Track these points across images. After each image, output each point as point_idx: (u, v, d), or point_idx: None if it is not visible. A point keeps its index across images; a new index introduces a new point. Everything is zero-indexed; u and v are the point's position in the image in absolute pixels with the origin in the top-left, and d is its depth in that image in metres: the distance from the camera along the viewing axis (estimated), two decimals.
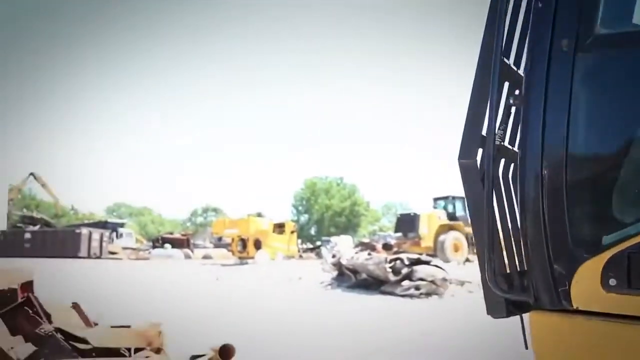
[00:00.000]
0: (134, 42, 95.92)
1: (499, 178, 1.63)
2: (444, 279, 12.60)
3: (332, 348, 6.52)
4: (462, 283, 13.23)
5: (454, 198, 25.76)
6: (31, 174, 45.70)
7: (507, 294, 1.60)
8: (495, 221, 1.57)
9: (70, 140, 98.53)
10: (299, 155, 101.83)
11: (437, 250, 22.96)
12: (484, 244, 1.54)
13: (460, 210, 25.22)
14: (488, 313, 1.63)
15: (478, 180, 1.52)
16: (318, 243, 43.99)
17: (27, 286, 3.92)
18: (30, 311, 3.37)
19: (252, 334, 6.84)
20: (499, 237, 1.60)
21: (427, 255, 15.99)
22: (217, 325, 7.54)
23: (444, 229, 23.97)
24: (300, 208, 73.78)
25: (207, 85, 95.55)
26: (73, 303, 4.18)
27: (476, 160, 1.55)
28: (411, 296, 11.98)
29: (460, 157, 1.53)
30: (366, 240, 39.69)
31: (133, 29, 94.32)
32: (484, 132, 1.55)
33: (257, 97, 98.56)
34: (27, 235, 32.80)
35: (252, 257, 24.31)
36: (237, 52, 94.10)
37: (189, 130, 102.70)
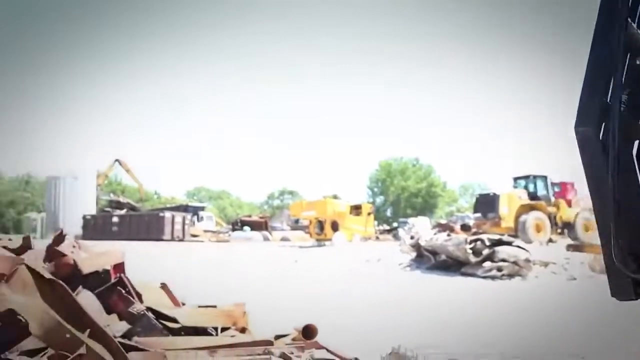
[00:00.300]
0: (207, 29, 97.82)
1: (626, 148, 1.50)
2: (527, 260, 12.27)
3: (413, 329, 6.48)
4: (545, 264, 12.85)
5: (535, 177, 24.99)
6: (116, 160, 47.67)
7: (638, 275, 1.47)
8: (622, 193, 1.44)
9: (153, 127, 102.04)
10: (373, 136, 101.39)
11: (518, 230, 22.33)
12: (609, 219, 1.43)
13: (541, 189, 24.44)
14: (613, 295, 1.52)
15: (599, 150, 1.41)
16: (395, 225, 43.75)
17: (119, 267, 4.09)
18: (123, 291, 3.50)
19: (333, 315, 6.89)
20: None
21: (508, 236, 15.60)
22: (298, 306, 7.64)
23: (525, 209, 23.28)
24: (375, 190, 73.56)
25: (280, 70, 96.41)
26: (161, 283, 4.33)
27: (596, 128, 1.43)
28: (493, 277, 11.75)
29: (577, 125, 1.42)
30: (443, 221, 39.16)
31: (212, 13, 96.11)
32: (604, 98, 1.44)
33: (331, 79, 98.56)
34: (115, 219, 34.22)
35: (330, 239, 24.43)
36: (311, 36, 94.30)
37: (266, 114, 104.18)
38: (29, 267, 2.60)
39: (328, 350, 3.51)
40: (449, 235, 15.16)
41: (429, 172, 71.20)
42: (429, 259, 13.83)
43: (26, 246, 3.86)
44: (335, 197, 29.30)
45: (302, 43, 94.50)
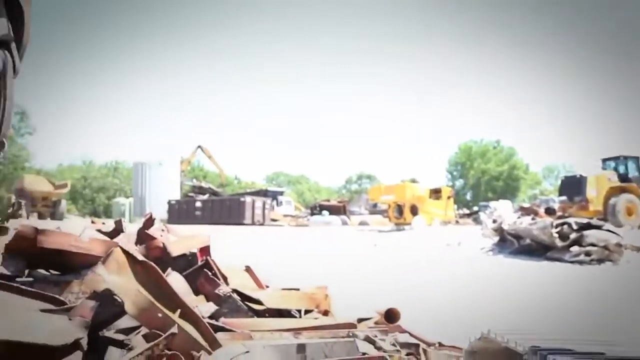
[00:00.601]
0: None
1: None
2: (619, 245, 11.74)
3: (496, 315, 6.34)
4: (638, 249, 12.26)
5: (625, 158, 23.81)
6: (199, 146, 49.05)
7: None
8: None
9: (233, 114, 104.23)
10: (452, 119, 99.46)
11: (607, 214, 21.38)
12: None
13: (633, 170, 23.28)
14: None
15: None
16: (475, 208, 42.91)
17: (205, 250, 4.21)
18: (210, 273, 3.60)
19: (414, 299, 6.85)
20: None
21: (597, 219, 14.97)
22: (379, 289, 7.64)
23: (615, 191, 22.23)
24: (454, 173, 72.33)
25: (360, 57, 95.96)
26: (245, 266, 4.43)
27: None
28: (581, 262, 11.32)
29: None
30: (526, 204, 38.04)
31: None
32: None
33: (408, 62, 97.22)
34: (198, 204, 35.28)
35: (409, 223, 24.25)
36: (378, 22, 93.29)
37: (343, 99, 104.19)
38: (123, 250, 2.72)
39: (411, 335, 3.49)
40: (533, 219, 14.68)
41: (511, 155, 69.21)
42: (512, 243, 13.49)
43: (118, 230, 4.05)
44: (413, 181, 29.04)
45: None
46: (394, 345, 3.05)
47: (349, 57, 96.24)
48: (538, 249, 12.61)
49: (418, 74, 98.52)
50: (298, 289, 4.12)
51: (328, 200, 45.09)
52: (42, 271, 3.24)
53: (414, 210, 24.79)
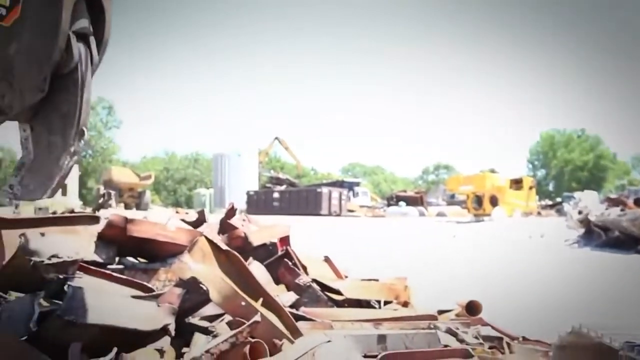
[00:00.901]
0: None
1: None
2: None
3: (582, 309, 6.10)
4: None
5: None
6: (276, 138, 49.73)
7: None
8: None
9: (308, 105, 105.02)
10: (533, 107, 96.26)
11: None
12: None
13: None
14: None
15: None
16: (558, 199, 41.41)
17: (285, 240, 4.28)
18: (290, 263, 3.65)
19: (495, 292, 6.68)
20: None
21: None
22: (458, 281, 7.52)
23: None
24: (536, 163, 70.13)
25: (443, 46, 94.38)
26: (324, 257, 4.46)
27: None
28: None
29: None
30: (614, 195, 36.37)
31: None
32: None
33: (488, 52, 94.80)
34: (275, 195, 35.77)
35: (488, 214, 23.70)
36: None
37: (417, 89, 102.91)
38: (208, 239, 2.80)
39: (493, 328, 3.42)
40: (622, 210, 14.00)
41: (597, 143, 66.35)
42: (600, 235, 12.93)
43: (201, 220, 4.16)
44: (492, 171, 28.29)
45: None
46: (476, 338, 3.00)
47: (434, 52, 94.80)
48: (627, 242, 12.03)
49: (495, 64, 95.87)
50: (377, 280, 4.11)
51: (405, 191, 44.64)
52: (131, 259, 3.38)
53: (494, 201, 24.18)
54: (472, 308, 3.65)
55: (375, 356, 2.41)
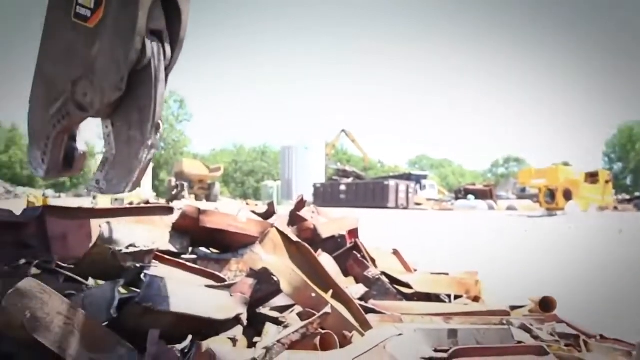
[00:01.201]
0: None
1: None
2: None
3: None
4: None
5: None
6: (343, 130, 49.84)
7: None
8: None
9: (375, 98, 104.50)
10: (609, 98, 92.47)
11: None
12: None
13: None
14: None
15: None
16: (637, 194, 39.69)
17: (354, 233, 4.27)
18: (359, 255, 3.65)
19: (569, 288, 6.47)
20: None
21: None
22: (530, 277, 7.32)
23: None
24: (612, 156, 67.37)
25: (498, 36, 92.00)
26: (393, 249, 4.43)
27: None
28: None
29: None
30: None
31: None
32: None
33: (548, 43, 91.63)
34: (342, 187, 35.90)
35: (562, 209, 22.97)
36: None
37: (486, 81, 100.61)
38: (279, 230, 2.83)
39: (569, 325, 3.30)
40: None
41: None
42: None
43: (271, 211, 4.20)
44: (566, 164, 27.36)
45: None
46: (551, 335, 2.91)
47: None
48: None
49: (572, 56, 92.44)
50: (447, 274, 4.05)
51: (473, 184, 43.91)
52: (204, 249, 3.46)
53: (568, 195, 23.40)
54: (546, 304, 3.55)
55: (446, 351, 2.38)
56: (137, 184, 2.00)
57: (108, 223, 2.57)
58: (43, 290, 1.83)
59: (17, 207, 3.27)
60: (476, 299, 3.79)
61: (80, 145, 2.27)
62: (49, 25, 2.04)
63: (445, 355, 2.32)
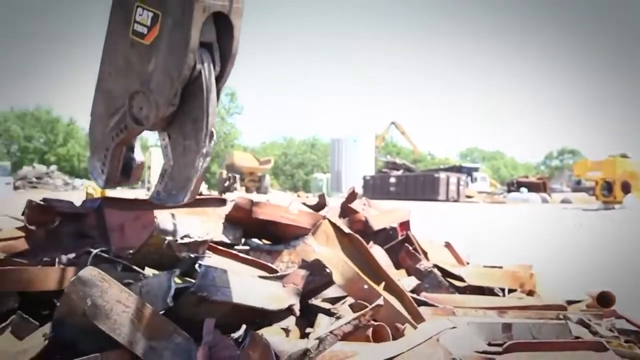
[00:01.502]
0: None
1: None
2: None
3: None
4: None
5: None
6: (392, 122, 49.52)
7: None
8: None
9: (424, 90, 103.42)
10: None
11: None
12: None
13: None
14: None
15: None
16: None
17: (405, 225, 4.25)
18: (410, 248, 3.62)
19: (629, 283, 6.27)
20: None
21: None
22: (586, 271, 7.12)
23: None
24: None
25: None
26: (445, 242, 4.38)
27: None
28: None
29: None
30: None
31: None
32: None
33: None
34: (392, 180, 35.72)
35: (620, 202, 22.24)
36: None
37: (540, 70, 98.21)
38: (331, 222, 2.83)
39: (629, 321, 3.19)
40: None
41: None
42: None
43: (322, 203, 4.21)
44: (624, 155, 26.45)
45: None
46: (610, 331, 2.83)
47: None
48: None
49: (626, 42, 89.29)
50: (501, 267, 3.98)
51: (526, 177, 42.98)
52: (256, 240, 3.50)
53: (626, 188, 22.62)
54: (604, 299, 3.43)
55: (501, 345, 2.34)
56: (195, 193, 2.06)
57: (170, 215, 2.62)
58: (103, 279, 1.89)
59: (76, 199, 3.37)
60: (530, 293, 3.71)
61: (138, 156, 2.38)
62: (110, 41, 2.13)
63: (499, 349, 2.28)
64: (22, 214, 3.19)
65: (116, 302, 1.87)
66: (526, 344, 2.31)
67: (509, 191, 36.30)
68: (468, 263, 4.22)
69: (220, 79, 2.06)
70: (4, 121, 62.30)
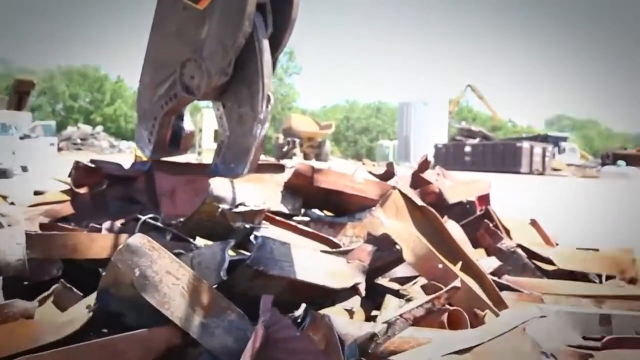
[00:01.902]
0: None
1: None
2: None
3: None
4: None
5: None
6: (468, 85, 48.58)
7: None
8: None
9: (505, 49, 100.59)
10: None
11: None
12: None
13: None
14: None
15: None
16: None
17: (484, 199, 4.15)
18: (490, 225, 3.52)
19: None
20: None
21: None
22: None
23: None
24: None
25: None
26: (531, 220, 4.26)
27: None
28: None
29: None
30: None
31: None
32: None
33: None
34: (467, 149, 35.21)
35: None
36: None
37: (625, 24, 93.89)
38: (402, 193, 2.78)
39: None
40: None
41: None
42: None
43: (390, 172, 4.15)
44: None
45: None
46: None
47: None
48: None
49: None
50: (597, 250, 3.83)
51: (624, 148, 41.50)
52: (317, 211, 3.48)
53: None
54: None
55: (598, 339, 2.25)
56: (255, 164, 2.07)
57: (225, 181, 2.62)
58: (153, 248, 1.90)
59: (122, 162, 3.43)
60: (633, 281, 3.55)
61: (187, 125, 2.40)
62: (162, 5, 2.18)
63: (597, 344, 2.19)
64: (68, 176, 3.26)
65: (166, 274, 1.87)
66: (629, 340, 2.21)
67: (604, 164, 35.25)
68: (557, 244, 4.09)
69: (277, 46, 2.07)
70: (50, 78, 64.19)
